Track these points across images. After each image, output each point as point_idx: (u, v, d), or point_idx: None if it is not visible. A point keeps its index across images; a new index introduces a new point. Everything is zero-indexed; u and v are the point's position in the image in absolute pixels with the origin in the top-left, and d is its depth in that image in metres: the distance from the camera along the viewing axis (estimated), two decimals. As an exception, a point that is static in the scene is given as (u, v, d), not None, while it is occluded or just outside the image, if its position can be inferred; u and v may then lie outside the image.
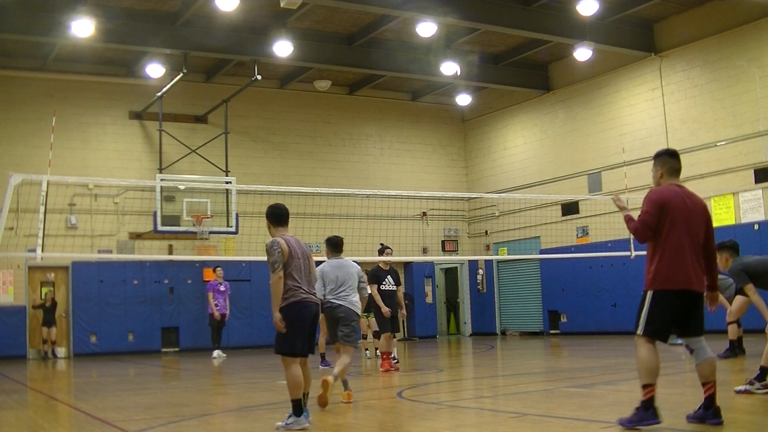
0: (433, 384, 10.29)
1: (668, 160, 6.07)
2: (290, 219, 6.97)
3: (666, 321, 5.82)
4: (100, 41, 17.73)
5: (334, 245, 8.83)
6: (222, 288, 17.93)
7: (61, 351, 19.39)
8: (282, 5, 15.87)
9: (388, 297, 12.46)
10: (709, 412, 5.74)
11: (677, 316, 5.84)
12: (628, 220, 6.01)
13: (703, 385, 5.81)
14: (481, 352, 16.69)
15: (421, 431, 6.49)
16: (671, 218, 5.78)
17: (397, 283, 12.79)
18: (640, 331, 5.84)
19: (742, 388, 7.28)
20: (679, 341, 6.42)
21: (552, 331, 22.31)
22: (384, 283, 12.45)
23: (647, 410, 5.64)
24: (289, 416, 6.43)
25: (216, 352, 17.43)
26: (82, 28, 16.44)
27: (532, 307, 23.28)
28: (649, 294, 5.83)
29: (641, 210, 5.90)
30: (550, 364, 13.84)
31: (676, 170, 6.08)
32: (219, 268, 18.29)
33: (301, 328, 6.50)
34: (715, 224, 20.49)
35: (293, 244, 6.61)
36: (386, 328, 12.30)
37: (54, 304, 19.18)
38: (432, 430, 6.42)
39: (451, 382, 10.95)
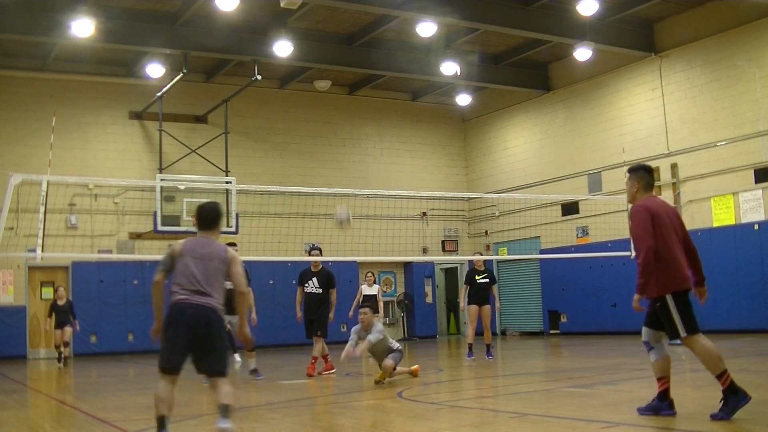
0: (433, 384, 10.28)
1: (644, 175, 6.48)
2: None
3: (693, 314, 6.19)
4: (100, 41, 17.73)
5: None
6: None
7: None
8: (282, 5, 15.87)
9: (312, 299, 12.04)
10: (664, 404, 6.25)
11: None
12: (640, 278, 6.24)
13: (658, 380, 6.30)
14: (481, 352, 16.68)
15: (421, 431, 6.49)
16: (661, 224, 6.20)
17: (326, 286, 12.06)
18: (684, 333, 6.13)
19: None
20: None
21: (552, 331, 22.30)
22: (307, 285, 12.12)
23: (735, 394, 5.94)
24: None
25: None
26: (82, 28, 16.44)
27: (532, 307, 23.27)
28: (670, 298, 6.16)
29: (633, 227, 6.31)
30: (550, 364, 13.84)
31: (651, 185, 6.51)
32: None
33: (169, 336, 5.40)
34: (714, 224, 20.43)
35: (190, 244, 5.63)
36: (308, 332, 12.10)
37: (69, 304, 17.33)
38: (432, 430, 6.41)
39: (451, 382, 10.95)
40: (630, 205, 6.61)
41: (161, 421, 5.41)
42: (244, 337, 5.80)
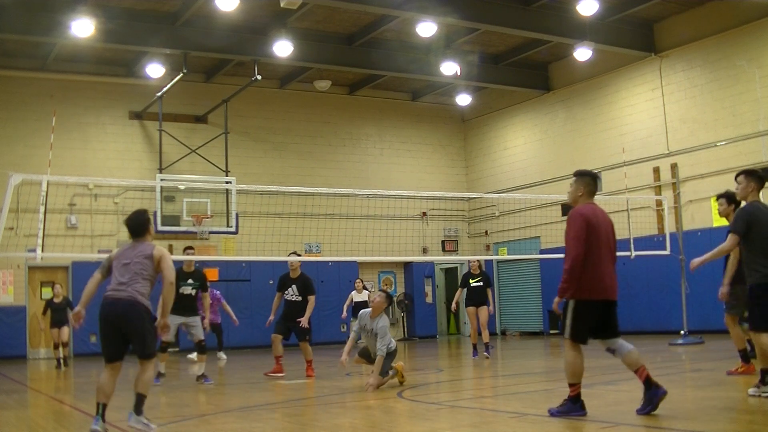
0: (433, 384, 10.29)
1: (590, 182, 6.70)
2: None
3: (588, 327, 6.49)
4: (100, 41, 17.73)
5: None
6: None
7: (60, 351, 19.35)
8: (282, 5, 15.87)
9: (291, 307, 11.82)
10: (652, 390, 6.30)
11: (596, 322, 6.52)
12: (564, 280, 6.52)
13: (636, 372, 6.42)
14: (481, 352, 16.70)
15: (421, 431, 6.49)
16: (594, 233, 6.42)
17: (304, 293, 11.80)
18: (567, 336, 6.50)
19: (752, 391, 7.11)
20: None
21: (552, 331, 22.30)
22: (287, 292, 11.90)
23: (575, 403, 6.39)
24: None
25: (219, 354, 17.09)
26: (82, 28, 16.44)
27: (532, 307, 23.27)
28: (573, 303, 6.50)
29: (568, 232, 6.49)
30: (550, 364, 13.84)
31: (593, 193, 6.72)
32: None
33: (102, 332, 6.39)
34: (715, 224, 20.30)
35: (121, 251, 6.59)
36: (279, 329, 11.84)
37: (66, 301, 16.60)
38: (432, 430, 6.42)
39: (451, 382, 10.95)
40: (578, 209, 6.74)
41: (98, 408, 6.14)
42: (162, 324, 6.46)
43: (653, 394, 6.29)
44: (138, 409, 6.15)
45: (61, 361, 16.16)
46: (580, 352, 6.47)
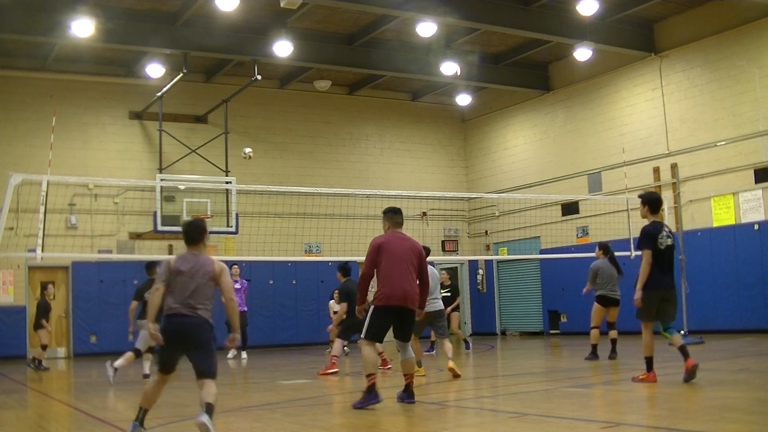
0: (433, 384, 10.28)
1: (392, 216, 8.24)
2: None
3: (382, 329, 7.90)
4: (100, 41, 17.73)
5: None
6: (237, 285, 17.15)
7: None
8: (282, 5, 15.87)
9: None
10: (406, 393, 7.80)
11: (392, 325, 7.91)
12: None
13: (405, 376, 7.87)
14: (481, 352, 16.70)
15: (421, 431, 6.49)
16: (387, 255, 7.88)
17: None
18: (362, 335, 7.88)
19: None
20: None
21: (552, 331, 22.30)
22: None
23: (370, 393, 7.57)
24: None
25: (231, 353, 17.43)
26: (82, 28, 16.44)
27: (532, 307, 23.27)
28: (372, 308, 7.88)
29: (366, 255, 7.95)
30: (550, 364, 13.84)
31: (397, 223, 8.23)
32: (235, 266, 17.46)
33: (165, 344, 6.12)
34: (714, 224, 20.28)
35: (179, 261, 6.26)
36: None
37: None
38: (432, 430, 6.41)
39: (451, 382, 10.95)
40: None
41: (140, 412, 6.24)
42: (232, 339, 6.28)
43: (405, 397, 7.73)
44: (208, 411, 5.84)
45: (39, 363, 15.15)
46: (375, 349, 7.88)
